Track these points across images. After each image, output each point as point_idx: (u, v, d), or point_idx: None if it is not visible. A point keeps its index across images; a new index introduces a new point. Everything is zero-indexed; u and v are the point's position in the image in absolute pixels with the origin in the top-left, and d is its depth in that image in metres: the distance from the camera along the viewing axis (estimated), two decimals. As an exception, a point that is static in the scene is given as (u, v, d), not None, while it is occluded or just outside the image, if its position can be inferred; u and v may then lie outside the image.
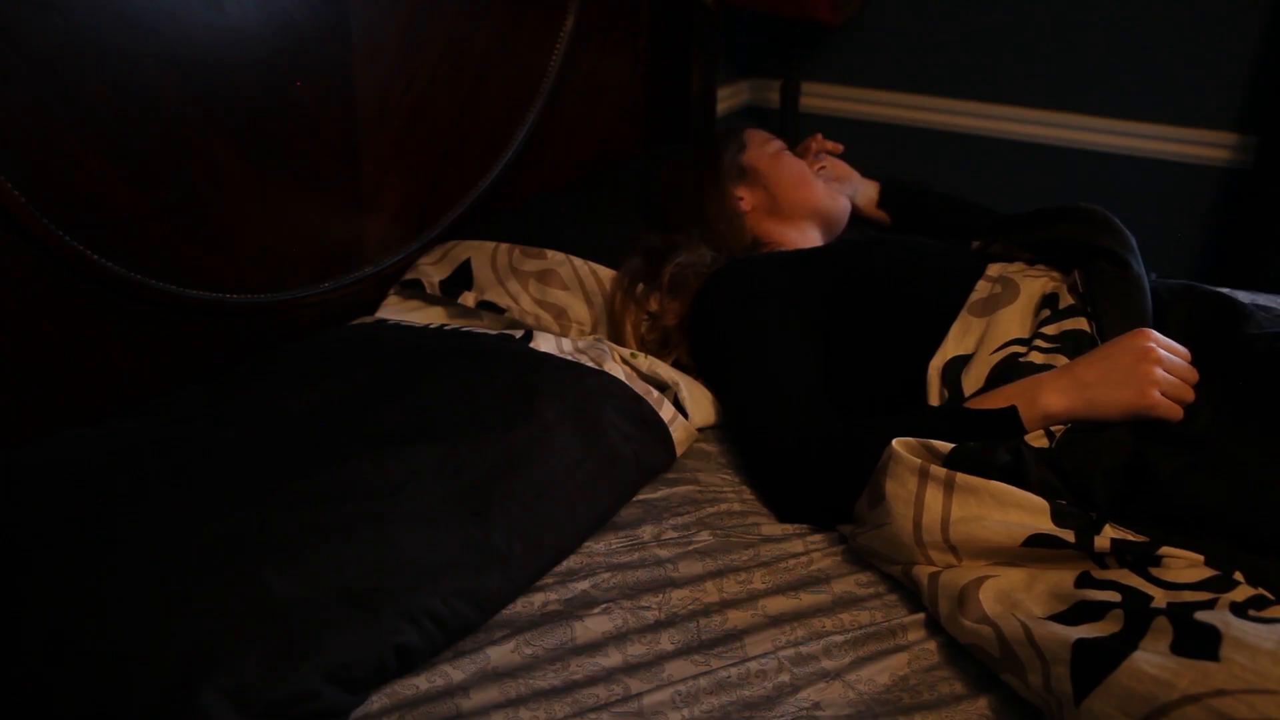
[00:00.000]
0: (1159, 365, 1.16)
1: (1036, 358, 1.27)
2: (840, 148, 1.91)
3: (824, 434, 1.28)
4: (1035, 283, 1.40)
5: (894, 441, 1.14)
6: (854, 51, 2.58)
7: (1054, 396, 1.18)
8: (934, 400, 1.31)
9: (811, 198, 1.71)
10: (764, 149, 1.75)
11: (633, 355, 1.48)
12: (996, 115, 2.46)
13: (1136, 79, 2.32)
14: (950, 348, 1.33)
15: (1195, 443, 1.13)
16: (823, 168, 1.81)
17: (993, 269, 1.44)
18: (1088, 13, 2.32)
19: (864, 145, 2.58)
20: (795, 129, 2.55)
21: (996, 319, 1.34)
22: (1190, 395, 1.17)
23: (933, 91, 2.52)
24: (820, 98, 2.63)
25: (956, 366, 1.31)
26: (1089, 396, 1.17)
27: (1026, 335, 1.32)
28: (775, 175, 1.72)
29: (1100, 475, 1.12)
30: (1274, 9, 2.16)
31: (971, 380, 1.28)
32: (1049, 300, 1.36)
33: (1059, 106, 2.41)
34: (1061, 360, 1.26)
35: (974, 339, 1.34)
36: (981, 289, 1.40)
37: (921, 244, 1.56)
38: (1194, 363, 1.20)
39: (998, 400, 1.21)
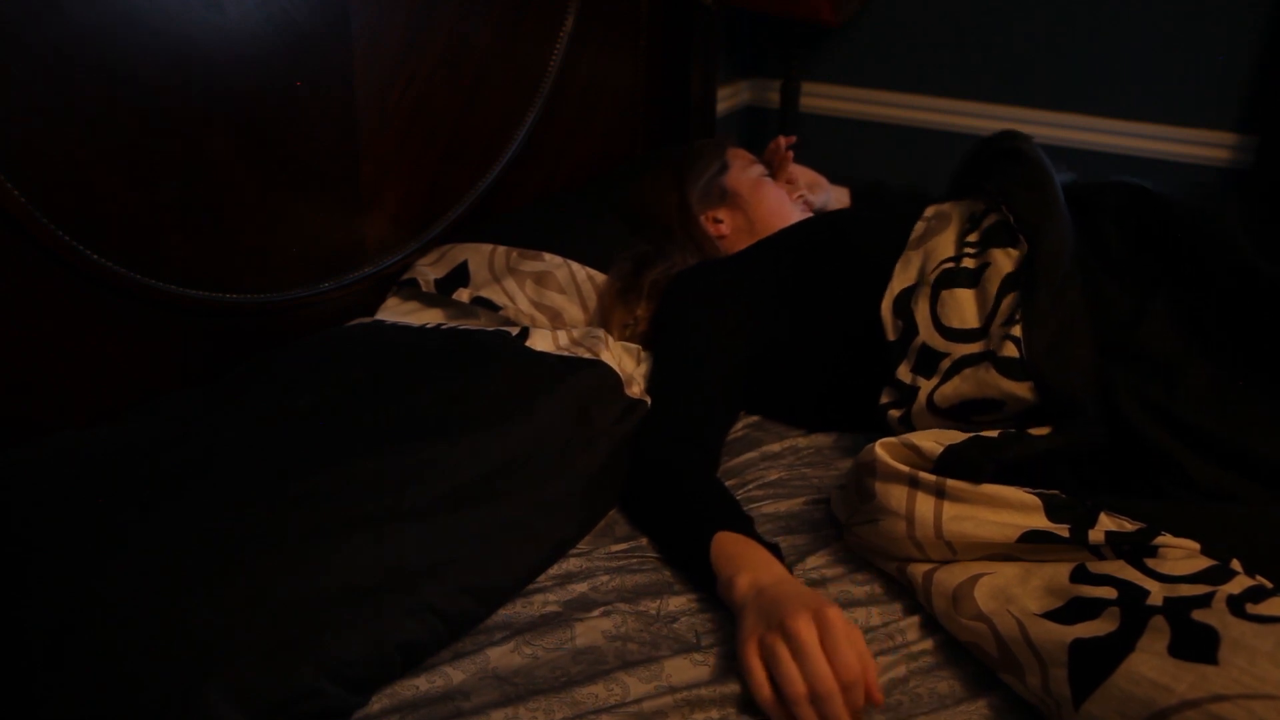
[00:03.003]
0: (794, 642, 0.95)
1: (968, 264, 1.34)
2: (793, 139, 1.93)
3: (661, 454, 1.30)
4: (965, 209, 1.46)
5: (878, 446, 1.14)
6: (854, 51, 2.58)
7: (746, 574, 1.06)
8: (890, 335, 1.36)
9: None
10: (746, 173, 1.80)
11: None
12: (996, 115, 2.46)
13: (1136, 79, 2.32)
14: (896, 284, 1.39)
15: (1166, 367, 1.17)
16: (800, 196, 1.85)
17: (929, 210, 1.50)
18: (1088, 13, 2.32)
19: (864, 145, 2.60)
20: (795, 129, 2.55)
21: (930, 247, 1.41)
22: (801, 697, 0.93)
23: (933, 91, 2.52)
24: (820, 98, 2.63)
25: (905, 299, 1.37)
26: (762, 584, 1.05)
27: (955, 253, 1.38)
28: (755, 201, 1.77)
29: (1077, 372, 1.17)
30: (1274, 9, 2.16)
31: (921, 308, 1.33)
32: (972, 217, 1.43)
33: (1059, 106, 2.41)
34: (995, 257, 1.31)
35: (915, 270, 1.40)
36: (919, 228, 1.46)
37: (870, 208, 1.63)
38: (1138, 267, 1.26)
39: (741, 545, 1.12)
